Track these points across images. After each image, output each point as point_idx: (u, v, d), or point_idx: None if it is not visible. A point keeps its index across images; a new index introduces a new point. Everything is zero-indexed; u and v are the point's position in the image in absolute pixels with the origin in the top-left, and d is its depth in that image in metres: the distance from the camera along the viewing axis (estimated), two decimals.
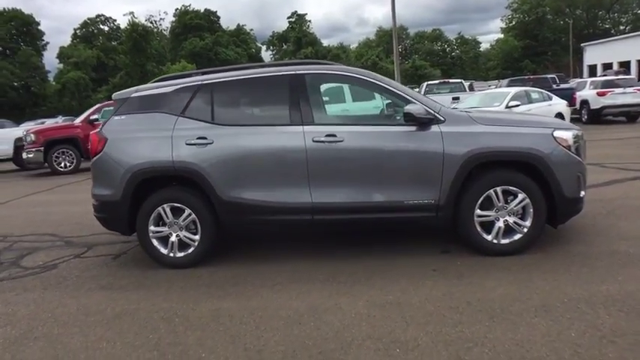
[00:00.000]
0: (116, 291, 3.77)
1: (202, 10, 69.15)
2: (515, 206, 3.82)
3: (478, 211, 3.83)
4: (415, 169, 3.78)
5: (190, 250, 4.09)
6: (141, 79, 47.97)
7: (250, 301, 3.40)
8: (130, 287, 3.83)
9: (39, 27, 50.19)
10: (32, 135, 11.16)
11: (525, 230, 3.84)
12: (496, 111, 5.29)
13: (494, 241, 3.86)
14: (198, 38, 64.28)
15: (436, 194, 3.78)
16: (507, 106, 11.04)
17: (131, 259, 4.51)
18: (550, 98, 12.20)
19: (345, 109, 11.96)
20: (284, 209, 3.91)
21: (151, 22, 70.72)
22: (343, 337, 2.77)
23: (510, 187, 3.79)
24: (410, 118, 3.69)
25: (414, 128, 3.80)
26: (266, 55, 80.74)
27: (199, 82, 4.08)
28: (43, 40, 51.14)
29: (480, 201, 3.80)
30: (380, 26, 69.60)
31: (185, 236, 4.07)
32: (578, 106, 16.08)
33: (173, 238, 4.07)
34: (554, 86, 19.56)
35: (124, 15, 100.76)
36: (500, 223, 3.85)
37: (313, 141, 3.81)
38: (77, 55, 51.08)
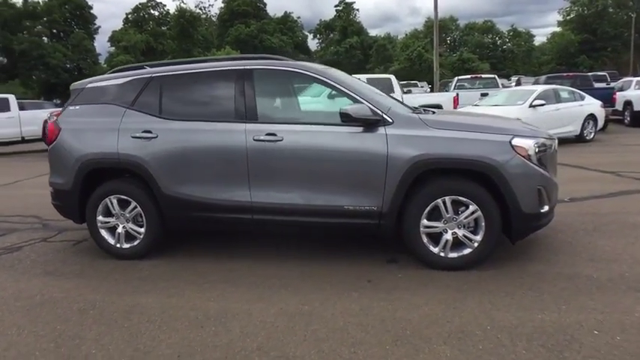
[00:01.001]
0: (57, 278, 3.83)
1: None
2: (465, 218, 3.54)
3: (425, 221, 3.58)
4: (356, 172, 3.57)
5: (136, 243, 4.09)
6: None
7: (171, 298, 3.35)
8: (70, 275, 3.88)
9: (91, 11, 52.44)
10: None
11: (476, 245, 3.56)
12: (463, 112, 4.93)
13: (442, 254, 3.61)
14: (244, 25, 64.96)
15: (379, 201, 3.57)
16: (531, 105, 10.42)
17: (89, 246, 4.56)
18: (582, 98, 11.37)
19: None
20: (224, 207, 3.82)
21: (200, 9, 72.30)
22: (234, 347, 2.67)
23: (460, 198, 3.52)
24: (347, 119, 3.47)
25: (360, 129, 3.59)
26: (312, 43, 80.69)
27: (150, 75, 4.04)
28: (95, 24, 53.40)
29: (426, 210, 3.55)
30: (428, 17, 67.57)
31: (131, 228, 4.08)
32: (621, 107, 14.95)
33: (120, 230, 4.09)
34: (605, 84, 18.33)
35: (174, 0, 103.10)
36: (448, 236, 3.58)
37: (254, 139, 3.69)
38: (127, 40, 52.98)
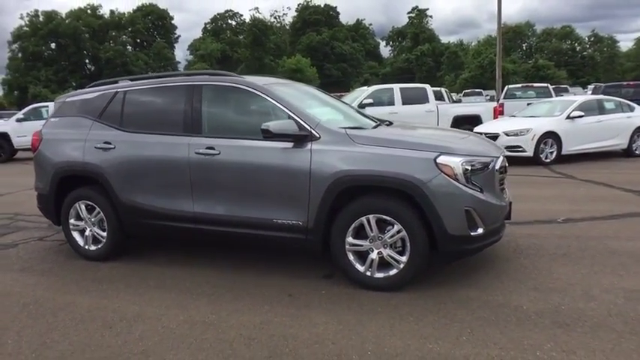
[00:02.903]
0: (26, 274, 4.27)
1: (322, 6, 71.12)
2: (390, 237, 3.48)
3: (350, 239, 3.56)
4: (284, 187, 3.65)
5: (100, 245, 4.46)
6: (257, 71, 51.16)
7: (103, 299, 3.62)
8: (39, 272, 4.30)
9: (172, 21, 56.56)
10: None
11: (402, 266, 3.48)
12: (412, 126, 4.76)
13: (368, 273, 3.57)
14: (316, 33, 66.21)
15: (304, 216, 3.61)
16: (569, 117, 9.72)
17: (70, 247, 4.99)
18: (631, 109, 10.38)
19: (393, 111, 11.65)
20: (170, 216, 4.06)
21: (275, 18, 74.81)
22: (122, 349, 2.86)
23: (384, 217, 3.46)
24: (268, 134, 3.55)
25: (290, 144, 3.66)
26: (385, 50, 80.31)
27: (115, 90, 4.40)
28: (175, 34, 57.51)
29: (351, 228, 3.54)
30: (504, 22, 64.56)
31: (96, 232, 4.45)
32: None
33: (87, 233, 4.48)
34: None
35: (250, 10, 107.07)
36: (374, 255, 3.53)
37: (195, 153, 3.89)
38: (204, 48, 56.24)
